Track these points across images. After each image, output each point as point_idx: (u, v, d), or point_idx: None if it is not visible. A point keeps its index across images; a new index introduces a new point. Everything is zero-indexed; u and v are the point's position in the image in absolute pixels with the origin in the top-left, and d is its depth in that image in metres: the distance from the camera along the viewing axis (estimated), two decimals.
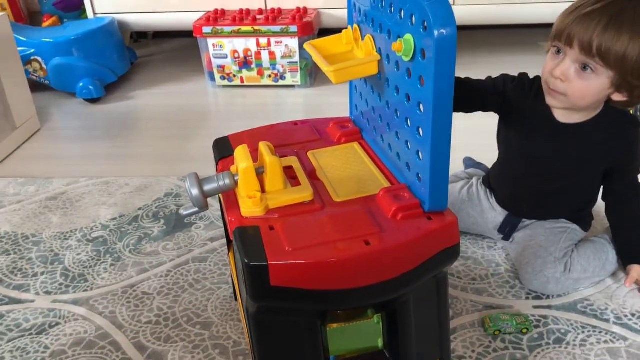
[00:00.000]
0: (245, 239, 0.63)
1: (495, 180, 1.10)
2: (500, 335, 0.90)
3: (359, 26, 0.78)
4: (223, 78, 2.02)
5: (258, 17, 1.95)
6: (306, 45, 0.79)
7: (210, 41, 1.96)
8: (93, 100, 1.97)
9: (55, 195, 1.40)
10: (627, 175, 0.99)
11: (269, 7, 2.03)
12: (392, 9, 0.66)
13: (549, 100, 0.93)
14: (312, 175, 0.75)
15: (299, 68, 1.96)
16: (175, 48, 2.54)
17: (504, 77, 1.00)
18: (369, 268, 0.62)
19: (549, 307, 0.96)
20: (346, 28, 0.80)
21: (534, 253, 1.01)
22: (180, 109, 1.92)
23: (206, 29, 1.93)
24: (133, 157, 1.60)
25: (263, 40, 1.93)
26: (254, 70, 1.99)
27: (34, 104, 1.78)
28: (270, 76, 1.99)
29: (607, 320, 0.93)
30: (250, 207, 0.67)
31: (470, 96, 0.97)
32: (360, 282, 0.62)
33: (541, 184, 1.02)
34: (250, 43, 1.94)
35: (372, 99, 0.78)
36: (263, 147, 0.71)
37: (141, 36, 2.65)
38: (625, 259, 1.02)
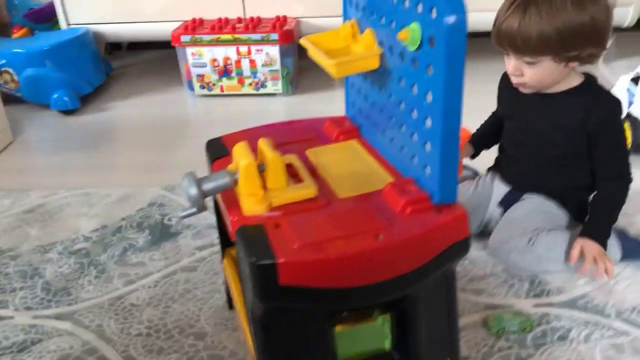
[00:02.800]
0: (250, 238, 0.60)
1: (500, 154, 1.14)
2: (504, 334, 0.89)
3: (357, 21, 0.76)
4: (202, 87, 1.99)
5: (237, 25, 1.93)
6: (302, 40, 0.77)
7: (189, 50, 1.92)
8: (68, 112, 1.91)
9: (32, 208, 1.34)
10: (612, 159, 1.00)
11: (247, 16, 2.01)
12: None
13: (522, 90, 1.02)
14: (313, 173, 0.72)
15: (280, 76, 1.94)
16: (151, 59, 2.50)
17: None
18: (380, 263, 0.59)
19: (549, 304, 0.95)
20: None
21: (507, 226, 1.03)
22: (159, 119, 1.88)
23: (185, 38, 1.90)
24: (113, 168, 1.55)
25: (243, 49, 1.90)
26: (234, 78, 1.96)
27: (5, 116, 1.72)
28: (251, 84, 1.97)
29: (609, 316, 0.92)
30: (252, 206, 0.64)
31: (494, 131, 1.12)
32: (372, 278, 0.59)
33: (537, 153, 1.05)
34: (230, 51, 1.91)
35: (373, 94, 0.76)
36: (263, 143, 0.68)
37: (115, 48, 2.60)
38: (582, 231, 1.00)
